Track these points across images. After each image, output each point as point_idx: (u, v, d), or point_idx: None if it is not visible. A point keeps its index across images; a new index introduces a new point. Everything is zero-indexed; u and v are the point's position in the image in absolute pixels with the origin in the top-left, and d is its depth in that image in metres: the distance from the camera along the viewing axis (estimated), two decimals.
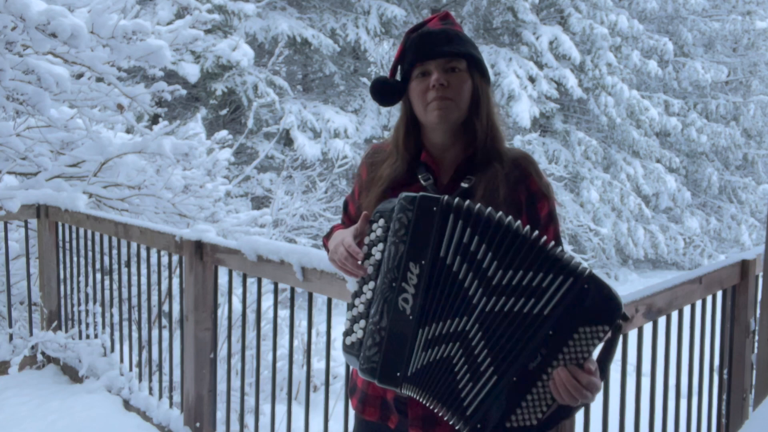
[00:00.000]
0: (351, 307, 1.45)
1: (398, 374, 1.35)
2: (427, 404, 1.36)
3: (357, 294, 1.44)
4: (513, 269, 1.30)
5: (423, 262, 1.34)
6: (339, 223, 1.80)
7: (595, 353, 1.35)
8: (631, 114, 15.26)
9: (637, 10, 15.89)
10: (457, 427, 1.34)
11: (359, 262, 1.43)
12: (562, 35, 14.07)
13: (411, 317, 1.34)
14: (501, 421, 1.31)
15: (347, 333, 1.43)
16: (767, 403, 2.00)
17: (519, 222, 1.31)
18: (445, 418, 1.35)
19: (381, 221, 1.41)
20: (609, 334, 1.29)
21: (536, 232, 1.30)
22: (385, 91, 1.57)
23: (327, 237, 1.76)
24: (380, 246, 1.41)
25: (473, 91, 1.53)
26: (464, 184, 1.51)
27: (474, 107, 1.53)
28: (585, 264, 1.30)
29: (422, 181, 1.53)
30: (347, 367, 2.54)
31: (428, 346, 1.34)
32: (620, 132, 15.49)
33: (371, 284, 1.41)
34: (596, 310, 1.27)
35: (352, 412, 2.02)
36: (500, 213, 1.32)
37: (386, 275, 1.37)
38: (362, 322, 1.41)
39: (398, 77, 1.58)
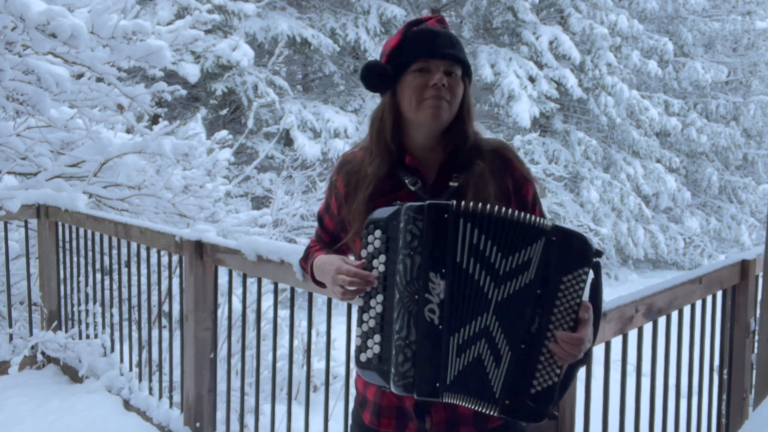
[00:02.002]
0: (360, 322, 1.43)
1: (437, 385, 1.36)
2: (465, 404, 1.39)
3: (364, 309, 1.42)
4: (511, 254, 1.36)
5: (444, 270, 1.35)
6: (314, 240, 1.76)
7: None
8: (631, 114, 15.25)
9: (637, 10, 15.88)
10: (490, 412, 1.38)
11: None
12: (562, 35, 14.06)
13: (441, 327, 1.36)
14: (526, 390, 1.36)
15: (361, 350, 1.41)
16: (767, 403, 2.00)
17: (510, 209, 1.37)
18: (477, 409, 1.39)
19: (377, 232, 1.41)
20: (591, 275, 1.36)
21: (521, 213, 1.37)
22: (379, 76, 1.53)
23: (305, 260, 1.72)
24: (381, 258, 1.40)
25: (464, 97, 1.54)
26: (453, 183, 1.51)
27: (466, 112, 1.54)
28: (549, 221, 1.38)
29: (410, 186, 1.51)
30: (347, 367, 2.54)
31: (461, 351, 1.36)
32: (620, 132, 15.48)
33: (379, 297, 1.40)
34: (570, 257, 1.35)
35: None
36: (497, 206, 1.36)
37: (406, 288, 1.36)
38: (377, 337, 1.39)
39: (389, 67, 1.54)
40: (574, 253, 1.35)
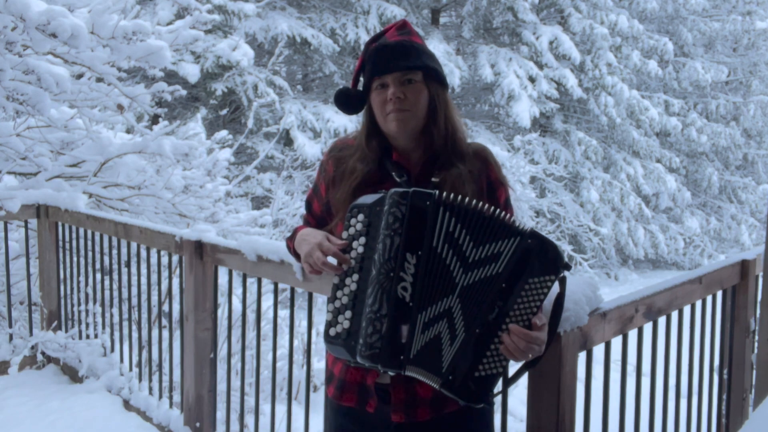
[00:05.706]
0: (333, 299, 1.51)
1: (401, 357, 1.44)
2: (418, 377, 1.46)
3: (339, 286, 1.51)
4: (482, 245, 1.45)
5: (420, 252, 1.44)
6: (302, 225, 1.84)
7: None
8: (631, 114, 15.25)
9: (637, 10, 15.88)
10: (433, 384, 1.46)
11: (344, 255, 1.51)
12: (562, 35, 14.06)
13: (411, 304, 1.44)
14: (470, 372, 1.44)
15: (331, 324, 1.50)
16: (767, 403, 2.00)
17: (487, 205, 1.47)
18: (424, 380, 1.46)
19: (360, 216, 1.50)
20: (556, 283, 1.45)
21: (498, 210, 1.45)
22: (347, 102, 1.68)
23: (291, 239, 1.80)
24: (362, 240, 1.49)
25: (430, 100, 1.63)
26: (434, 179, 1.61)
27: (432, 114, 1.64)
28: (528, 224, 1.43)
29: (397, 178, 1.62)
30: None
31: (425, 328, 1.45)
32: (620, 132, 15.48)
33: (355, 276, 1.49)
34: (541, 262, 1.44)
35: None
36: (475, 201, 1.45)
37: (382, 266, 1.45)
38: (348, 313, 1.48)
39: (360, 87, 1.68)
40: (545, 258, 1.44)
